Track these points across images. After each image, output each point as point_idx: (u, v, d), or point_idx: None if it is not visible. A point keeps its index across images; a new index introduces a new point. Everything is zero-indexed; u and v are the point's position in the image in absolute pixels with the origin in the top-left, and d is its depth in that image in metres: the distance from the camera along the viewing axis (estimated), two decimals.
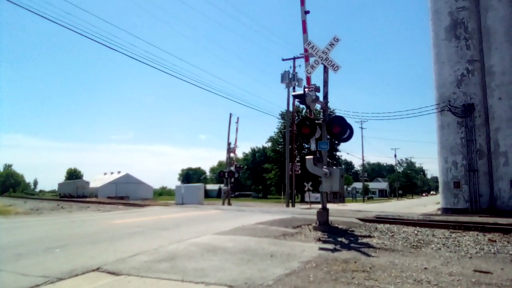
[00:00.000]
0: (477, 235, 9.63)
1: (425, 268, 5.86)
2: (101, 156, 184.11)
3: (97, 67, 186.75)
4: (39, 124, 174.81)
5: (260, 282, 5.03)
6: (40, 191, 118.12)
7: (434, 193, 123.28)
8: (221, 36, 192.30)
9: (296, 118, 38.03)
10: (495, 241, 8.71)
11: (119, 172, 75.94)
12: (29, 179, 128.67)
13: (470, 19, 22.30)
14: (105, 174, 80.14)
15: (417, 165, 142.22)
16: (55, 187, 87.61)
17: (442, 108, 22.67)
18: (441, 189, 23.81)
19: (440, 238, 9.18)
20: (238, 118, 35.68)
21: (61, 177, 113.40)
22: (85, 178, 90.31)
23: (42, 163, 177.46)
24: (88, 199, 42.74)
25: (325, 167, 10.41)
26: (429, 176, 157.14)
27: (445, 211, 22.33)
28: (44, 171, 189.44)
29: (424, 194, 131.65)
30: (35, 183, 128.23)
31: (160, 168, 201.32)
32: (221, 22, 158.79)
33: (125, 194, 61.75)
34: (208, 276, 5.29)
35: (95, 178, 78.86)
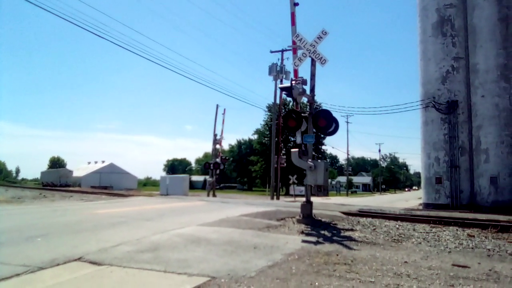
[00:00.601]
0: (457, 230, 9.83)
1: (405, 262, 5.96)
2: (85, 145, 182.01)
3: (83, 55, 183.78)
4: (22, 111, 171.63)
5: (243, 273, 5.05)
6: (22, 179, 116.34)
7: (416, 188, 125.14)
8: (210, 27, 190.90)
9: (283, 110, 38.08)
10: (473, 236, 8.91)
11: (103, 162, 75.21)
12: (11, 167, 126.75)
13: (457, 16, 22.56)
14: (89, 163, 79.30)
15: (400, 160, 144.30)
16: (38, 176, 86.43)
17: (427, 104, 22.98)
18: (423, 184, 24.22)
19: (421, 232, 9.34)
20: (224, 109, 35.57)
21: (44, 166, 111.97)
22: (68, 167, 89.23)
23: (24, 151, 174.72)
24: (71, 188, 42.22)
25: (310, 160, 10.47)
26: (412, 172, 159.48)
27: (427, 206, 22.74)
28: (27, 159, 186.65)
29: (406, 189, 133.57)
30: (17, 171, 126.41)
31: (145, 158, 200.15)
32: (210, 12, 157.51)
33: (109, 184, 61.23)
34: (191, 267, 5.30)
35: (79, 167, 77.94)
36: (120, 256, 5.89)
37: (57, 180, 59.59)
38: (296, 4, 17.27)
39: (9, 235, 7.60)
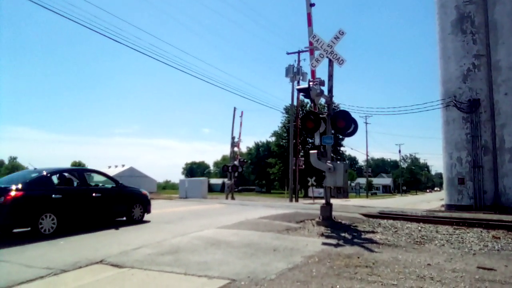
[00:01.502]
0: (481, 231, 9.60)
1: (428, 264, 5.85)
2: (105, 149, 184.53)
3: (101, 60, 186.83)
4: (43, 117, 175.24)
5: (263, 276, 5.04)
6: None
7: (438, 189, 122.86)
8: (225, 30, 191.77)
9: (301, 112, 37.93)
10: (499, 238, 8.68)
11: (123, 166, 76.31)
12: None
13: (477, 13, 22.07)
14: (109, 167, 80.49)
15: (421, 161, 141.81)
16: None
17: (448, 103, 22.53)
18: (445, 185, 23.73)
19: (444, 234, 9.15)
20: (242, 112, 35.61)
21: None
22: None
23: (46, 156, 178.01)
24: None
25: (329, 161, 10.39)
26: (433, 172, 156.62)
27: (449, 207, 22.27)
28: (49, 164, 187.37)
29: (428, 190, 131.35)
30: None
31: (164, 162, 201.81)
32: (225, 15, 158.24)
33: None
34: (211, 270, 5.31)
35: None
36: (141, 258, 5.95)
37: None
38: (312, 5, 17.23)
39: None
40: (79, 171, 11.92)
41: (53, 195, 8.85)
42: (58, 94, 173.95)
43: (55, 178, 9.74)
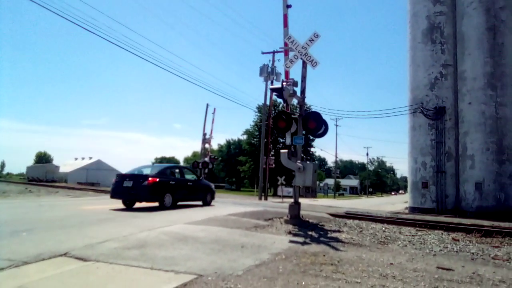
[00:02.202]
0: (442, 234, 9.98)
1: (391, 264, 6.04)
2: (73, 141, 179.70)
3: (71, 50, 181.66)
4: (8, 105, 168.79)
5: (229, 272, 5.06)
6: (8, 173, 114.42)
7: (403, 192, 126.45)
8: (201, 25, 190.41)
9: (273, 112, 38.13)
10: (458, 240, 9.05)
11: (90, 158, 74.58)
12: None
13: (447, 24, 22.88)
14: (76, 159, 78.54)
15: (387, 164, 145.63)
16: (24, 170, 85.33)
17: (415, 109, 23.25)
18: (410, 188, 24.49)
19: (407, 235, 9.46)
20: (214, 108, 35.62)
21: (30, 161, 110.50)
22: (55, 162, 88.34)
23: (10, 145, 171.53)
24: (57, 184, 41.76)
25: (299, 161, 10.52)
26: (398, 176, 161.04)
27: (413, 210, 23.00)
28: (12, 154, 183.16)
29: (393, 193, 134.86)
30: (2, 165, 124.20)
31: (133, 155, 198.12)
32: (201, 11, 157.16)
33: (96, 180, 60.68)
34: (178, 265, 5.29)
35: (66, 163, 77.06)
36: (107, 252, 5.85)
37: (43, 175, 58.94)
38: (288, 6, 17.34)
39: None
40: (181, 167, 16.99)
41: (171, 182, 13.56)
42: (26, 84, 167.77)
43: (168, 171, 14.36)
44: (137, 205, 13.31)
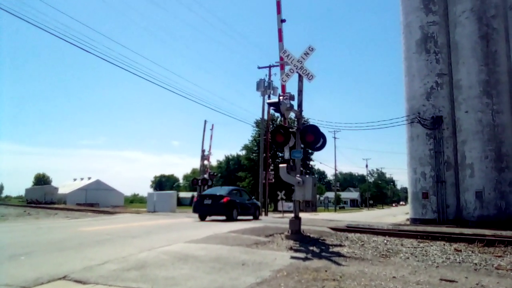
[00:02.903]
0: (444, 245, 9.90)
1: (394, 277, 5.97)
2: (71, 161, 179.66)
3: (67, 70, 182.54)
4: (5, 127, 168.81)
5: None
6: (6, 196, 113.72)
7: (404, 203, 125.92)
8: (197, 42, 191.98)
9: (271, 126, 38.21)
10: (460, 250, 8.98)
11: (89, 178, 74.19)
12: None
13: (440, 33, 23.12)
14: (75, 180, 78.12)
15: (387, 175, 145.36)
16: (22, 193, 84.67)
17: (412, 120, 23.32)
18: (410, 199, 24.40)
19: (409, 247, 9.38)
20: (212, 125, 35.70)
21: (29, 183, 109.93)
22: (53, 183, 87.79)
23: (8, 168, 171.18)
24: (56, 206, 41.51)
25: (298, 175, 10.48)
26: (399, 187, 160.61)
27: (414, 221, 22.88)
28: (11, 176, 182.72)
29: (394, 204, 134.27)
30: (1, 188, 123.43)
31: (132, 174, 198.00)
32: (197, 28, 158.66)
33: (95, 201, 60.31)
34: (178, 285, 5.22)
35: (64, 184, 76.70)
36: (106, 274, 5.78)
37: (42, 197, 58.54)
38: (283, 21, 17.59)
39: None
40: (240, 189, 20.40)
41: (237, 200, 17.70)
42: (23, 105, 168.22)
43: (234, 192, 18.48)
44: (135, 221, 13.20)
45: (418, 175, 23.03)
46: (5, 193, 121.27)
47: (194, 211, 17.83)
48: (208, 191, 19.35)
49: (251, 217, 18.76)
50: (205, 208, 17.03)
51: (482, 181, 20.38)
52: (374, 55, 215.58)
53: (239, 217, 17.45)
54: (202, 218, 17.24)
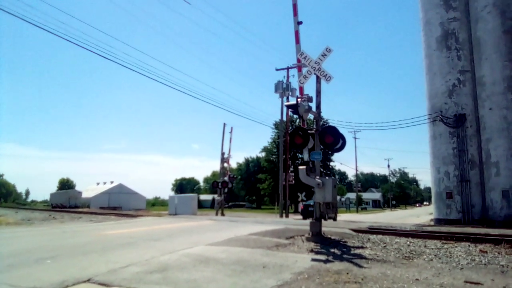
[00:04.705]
0: (469, 246, 9.68)
1: (417, 279, 5.87)
2: (94, 165, 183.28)
3: (89, 77, 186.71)
4: (31, 133, 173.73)
5: None
6: (32, 201, 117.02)
7: (428, 203, 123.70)
8: (215, 46, 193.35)
9: (290, 128, 38.11)
10: (486, 252, 8.76)
11: (112, 182, 75.50)
12: (20, 189, 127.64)
13: (461, 29, 22.65)
14: (98, 184, 79.63)
15: (410, 175, 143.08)
16: (47, 197, 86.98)
17: (434, 118, 22.89)
18: (434, 199, 23.93)
19: (432, 249, 9.21)
20: (231, 128, 35.72)
21: (53, 187, 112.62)
22: (77, 188, 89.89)
23: (34, 173, 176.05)
24: (80, 210, 42.37)
25: (318, 177, 10.44)
26: (422, 187, 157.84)
27: (438, 221, 22.43)
28: (36, 181, 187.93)
29: (417, 205, 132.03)
30: (27, 193, 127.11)
31: (154, 178, 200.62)
32: (215, 32, 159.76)
33: (118, 204, 61.34)
34: (200, 287, 5.27)
35: (88, 188, 78.31)
36: (129, 277, 5.88)
37: (66, 201, 59.93)
38: (299, 23, 17.53)
39: (19, 258, 7.63)
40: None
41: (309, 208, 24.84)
42: (46, 110, 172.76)
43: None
44: (157, 224, 13.32)
45: (441, 174, 22.58)
46: (30, 197, 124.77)
47: (303, 215, 27.68)
48: (310, 201, 26.86)
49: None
50: (309, 213, 22.66)
51: (509, 180, 19.82)
52: (394, 53, 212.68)
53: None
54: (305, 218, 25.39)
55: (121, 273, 6.13)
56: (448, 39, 22.94)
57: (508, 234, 11.47)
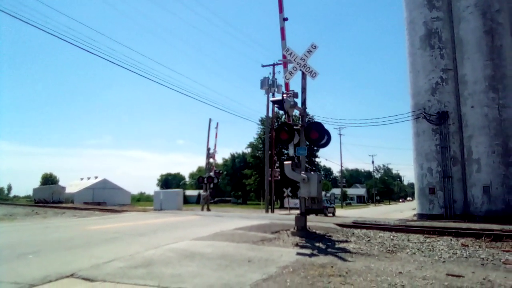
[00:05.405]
0: (451, 240, 9.87)
1: (400, 273, 5.96)
2: (78, 161, 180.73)
3: (73, 71, 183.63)
4: (13, 128, 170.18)
5: (237, 287, 5.02)
6: (14, 196, 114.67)
7: (411, 199, 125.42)
8: (201, 42, 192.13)
9: (276, 124, 38.14)
10: (467, 245, 8.94)
11: (96, 178, 74.52)
12: (2, 184, 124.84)
13: (444, 29, 22.97)
14: (82, 179, 78.52)
15: (394, 171, 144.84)
16: (30, 193, 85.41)
17: (418, 115, 23.21)
18: (417, 195, 24.31)
19: (415, 243, 9.36)
20: (217, 123, 35.68)
21: (36, 183, 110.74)
22: (61, 183, 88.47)
23: (16, 168, 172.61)
24: (63, 205, 41.75)
25: (303, 172, 10.49)
26: (405, 182, 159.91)
27: (421, 216, 22.81)
28: (19, 176, 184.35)
29: (401, 200, 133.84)
30: (9, 188, 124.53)
31: (138, 173, 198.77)
32: (200, 28, 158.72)
33: (102, 200, 60.60)
34: (185, 282, 5.26)
35: (71, 184, 77.14)
36: (113, 272, 5.83)
37: (49, 196, 59.01)
38: (285, 19, 17.57)
39: (0, 253, 7.50)
40: (332, 194, 42.31)
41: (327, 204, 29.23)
42: (29, 106, 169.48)
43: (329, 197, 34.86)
44: (142, 219, 13.24)
45: (424, 170, 22.94)
46: (13, 193, 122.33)
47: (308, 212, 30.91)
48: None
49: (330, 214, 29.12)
50: (313, 210, 25.76)
51: (490, 176, 20.25)
52: (379, 51, 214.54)
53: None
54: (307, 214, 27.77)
55: (105, 268, 6.08)
56: (431, 38, 23.24)
57: (488, 228, 11.73)
